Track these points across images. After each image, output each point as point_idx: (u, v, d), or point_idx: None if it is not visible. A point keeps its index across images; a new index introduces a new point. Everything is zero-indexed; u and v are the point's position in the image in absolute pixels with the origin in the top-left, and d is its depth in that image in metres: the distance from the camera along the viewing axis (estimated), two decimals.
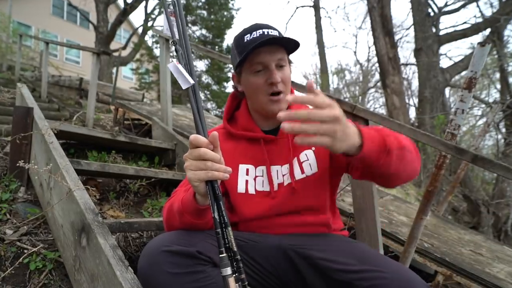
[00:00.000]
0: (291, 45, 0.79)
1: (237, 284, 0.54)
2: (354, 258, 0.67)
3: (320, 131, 0.52)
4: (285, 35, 0.80)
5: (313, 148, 0.83)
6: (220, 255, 0.55)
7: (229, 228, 0.57)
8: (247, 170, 0.83)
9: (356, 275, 0.63)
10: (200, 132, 0.60)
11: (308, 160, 0.82)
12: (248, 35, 0.78)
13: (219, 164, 0.59)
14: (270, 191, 0.82)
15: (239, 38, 0.80)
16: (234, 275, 0.54)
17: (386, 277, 0.60)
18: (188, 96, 0.62)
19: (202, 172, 0.58)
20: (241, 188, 0.82)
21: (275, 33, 0.78)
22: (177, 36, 0.66)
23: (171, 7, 0.71)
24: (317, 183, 0.81)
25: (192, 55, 0.68)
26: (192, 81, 0.61)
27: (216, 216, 0.57)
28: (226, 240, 0.56)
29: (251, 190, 0.82)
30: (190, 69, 0.63)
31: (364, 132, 0.61)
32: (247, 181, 0.83)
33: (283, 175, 0.82)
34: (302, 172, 0.81)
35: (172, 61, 0.64)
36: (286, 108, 0.83)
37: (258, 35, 0.76)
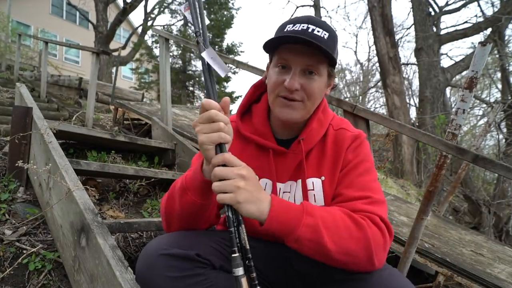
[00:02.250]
0: (330, 57, 0.66)
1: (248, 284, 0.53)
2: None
3: (221, 187, 0.55)
4: (337, 42, 0.70)
5: (323, 178, 0.73)
6: (233, 255, 0.53)
7: (242, 226, 0.56)
8: None
9: (353, 283, 0.62)
10: (211, 97, 0.60)
11: (313, 190, 0.73)
12: (291, 25, 0.67)
13: (229, 128, 0.59)
14: None
15: (282, 25, 0.70)
16: (245, 275, 0.53)
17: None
18: (203, 72, 0.64)
19: (215, 134, 0.57)
20: None
21: (323, 34, 0.66)
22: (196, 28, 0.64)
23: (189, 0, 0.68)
24: None
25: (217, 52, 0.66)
26: (227, 70, 0.62)
27: (230, 214, 0.56)
28: (238, 239, 0.55)
29: None
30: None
31: (272, 208, 0.58)
32: None
33: (283, 193, 0.76)
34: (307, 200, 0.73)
35: (205, 49, 0.62)
36: (304, 124, 0.75)
37: (299, 29, 0.66)
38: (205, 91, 0.62)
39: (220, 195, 0.55)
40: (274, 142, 0.77)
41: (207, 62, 0.62)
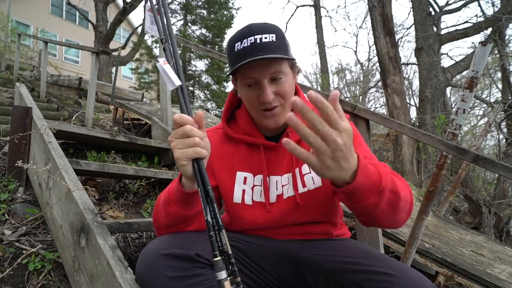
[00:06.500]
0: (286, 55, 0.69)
1: (232, 287, 0.53)
2: (360, 259, 0.65)
3: (316, 147, 0.45)
4: (285, 35, 0.73)
5: None
6: (214, 259, 0.53)
7: (223, 231, 0.55)
8: (245, 178, 0.78)
9: (363, 275, 0.61)
10: (184, 112, 0.60)
11: (311, 173, 0.76)
12: (239, 43, 0.69)
13: (205, 143, 0.59)
14: (270, 202, 0.77)
15: (230, 46, 0.72)
16: (229, 278, 0.53)
17: (393, 281, 0.58)
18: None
19: (190, 150, 0.57)
20: (237, 198, 0.77)
21: (271, 38, 0.68)
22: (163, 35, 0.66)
23: (155, 4, 0.70)
24: (320, 198, 0.75)
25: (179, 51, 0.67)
26: (178, 83, 0.61)
27: (209, 219, 0.56)
28: (220, 243, 0.55)
29: (248, 200, 0.77)
30: (177, 67, 0.63)
31: (361, 164, 0.52)
32: (244, 190, 0.78)
33: (282, 186, 0.77)
34: (304, 185, 0.76)
35: (158, 61, 0.63)
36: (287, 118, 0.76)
37: (248, 44, 0.68)
38: (179, 106, 0.61)
39: (302, 153, 0.47)
40: (263, 139, 0.79)
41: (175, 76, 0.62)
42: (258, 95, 0.71)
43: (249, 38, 0.68)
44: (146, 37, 12.41)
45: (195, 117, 0.59)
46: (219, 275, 0.52)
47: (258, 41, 0.67)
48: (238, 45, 0.69)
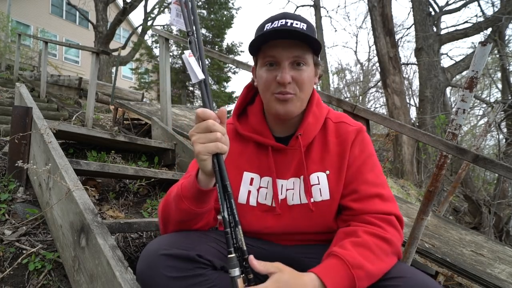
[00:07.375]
0: (314, 44, 0.69)
1: (245, 285, 0.53)
2: None
3: None
4: (316, 31, 0.71)
5: (328, 172, 0.74)
6: (229, 255, 0.53)
7: (239, 227, 0.55)
8: (252, 179, 0.77)
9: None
10: (207, 107, 0.60)
11: (319, 184, 0.73)
12: (270, 23, 0.69)
13: (226, 139, 0.59)
14: (273, 206, 0.75)
15: (261, 26, 0.72)
16: (242, 276, 0.53)
17: (399, 284, 0.58)
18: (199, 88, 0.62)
19: (211, 144, 0.57)
20: (242, 199, 0.76)
21: (302, 26, 0.68)
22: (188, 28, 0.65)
23: None
24: (326, 211, 0.73)
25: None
26: (202, 76, 0.61)
27: (226, 215, 0.56)
28: (235, 240, 0.54)
29: (253, 202, 0.76)
30: (201, 61, 0.62)
31: (325, 280, 0.56)
32: (249, 191, 0.76)
33: (287, 190, 0.75)
34: (310, 196, 0.74)
35: (184, 52, 0.62)
36: (301, 114, 0.75)
37: (279, 25, 0.68)
38: (201, 100, 0.61)
39: None
40: (273, 139, 0.77)
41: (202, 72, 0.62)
42: (276, 75, 0.69)
43: (281, 20, 0.68)
44: (146, 37, 12.42)
45: (218, 113, 0.59)
46: (232, 272, 0.52)
47: (289, 24, 0.68)
48: (268, 25, 0.69)
